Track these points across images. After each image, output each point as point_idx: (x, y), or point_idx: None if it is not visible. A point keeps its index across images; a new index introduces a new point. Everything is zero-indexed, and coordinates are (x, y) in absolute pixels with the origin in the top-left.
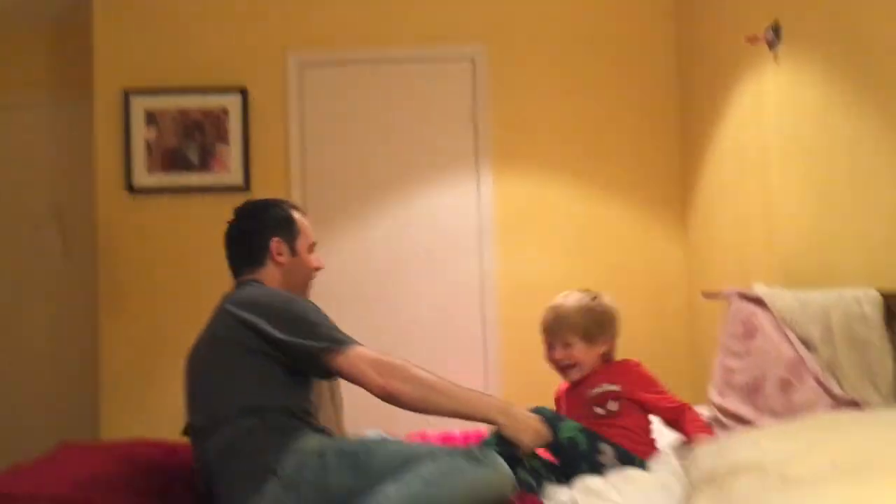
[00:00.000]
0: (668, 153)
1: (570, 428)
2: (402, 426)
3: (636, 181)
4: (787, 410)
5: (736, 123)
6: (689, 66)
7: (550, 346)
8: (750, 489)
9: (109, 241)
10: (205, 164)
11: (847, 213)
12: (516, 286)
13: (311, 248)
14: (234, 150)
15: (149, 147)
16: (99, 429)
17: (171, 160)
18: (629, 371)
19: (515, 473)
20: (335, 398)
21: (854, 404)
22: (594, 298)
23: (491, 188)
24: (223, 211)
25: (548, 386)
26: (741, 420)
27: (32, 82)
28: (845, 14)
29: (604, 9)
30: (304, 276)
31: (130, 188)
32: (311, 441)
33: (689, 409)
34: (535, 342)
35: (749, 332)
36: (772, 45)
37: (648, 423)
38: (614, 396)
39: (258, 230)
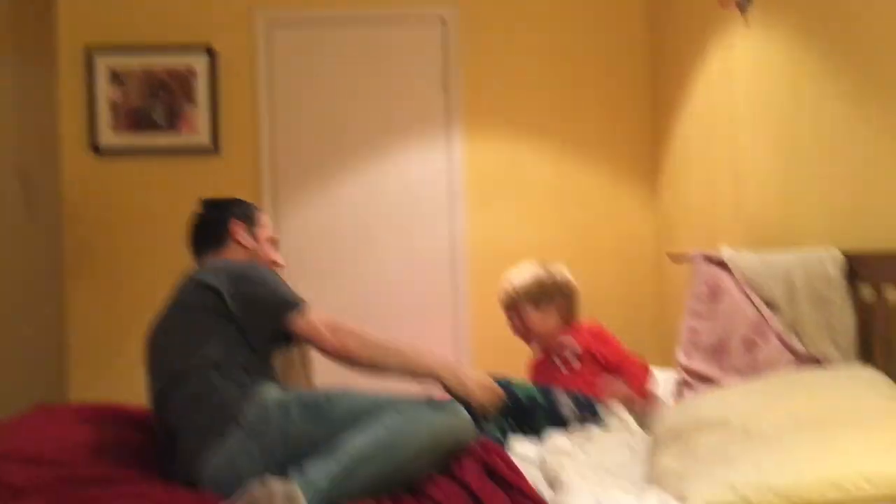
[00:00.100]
0: (639, 117)
1: (524, 386)
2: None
3: (607, 144)
4: (751, 369)
5: (706, 87)
6: (661, 30)
7: (509, 319)
8: (714, 443)
9: (75, 204)
10: (172, 124)
11: (812, 176)
12: (486, 249)
13: (272, 241)
14: (201, 111)
15: (114, 107)
16: (67, 393)
17: (137, 120)
18: (589, 332)
19: (482, 430)
20: (306, 367)
21: (815, 361)
22: (544, 268)
23: (462, 151)
24: (192, 172)
25: (517, 350)
26: (707, 380)
27: None
28: None
29: None
30: (263, 264)
31: (96, 149)
32: (274, 393)
33: (643, 370)
34: None
35: (714, 293)
36: (743, 8)
37: (626, 394)
38: (576, 356)
39: (219, 216)
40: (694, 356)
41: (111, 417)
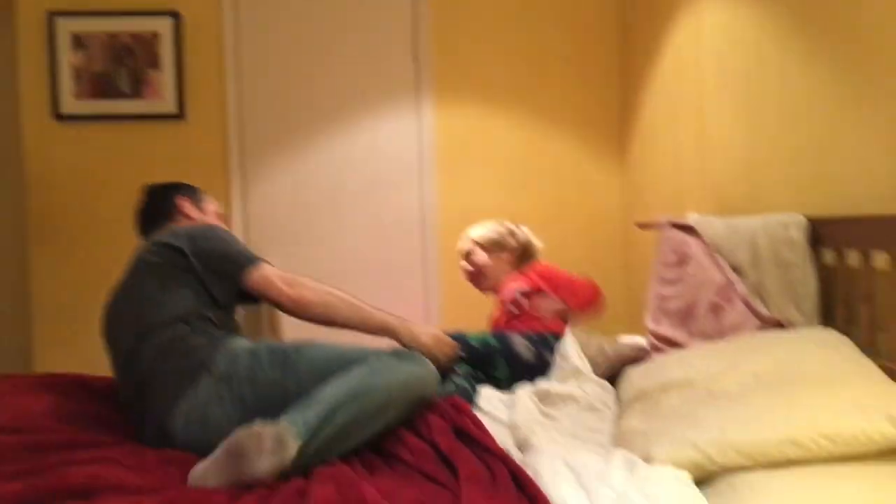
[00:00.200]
0: (607, 85)
1: (476, 335)
2: None
3: (576, 113)
4: (717, 333)
5: (674, 56)
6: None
7: (463, 265)
8: (678, 404)
9: (38, 171)
10: (136, 90)
11: (777, 142)
12: (457, 216)
13: (219, 215)
14: (166, 77)
15: (76, 72)
16: (31, 362)
17: (101, 86)
18: (538, 273)
19: (452, 381)
20: (275, 328)
21: (779, 325)
22: (505, 225)
23: (432, 119)
24: (157, 139)
25: (484, 311)
26: (675, 345)
27: None
28: None
29: None
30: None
31: (58, 116)
32: (242, 342)
33: (586, 286)
34: None
35: (681, 259)
36: None
37: (559, 309)
38: (524, 295)
39: (165, 194)
40: (662, 322)
41: (75, 387)
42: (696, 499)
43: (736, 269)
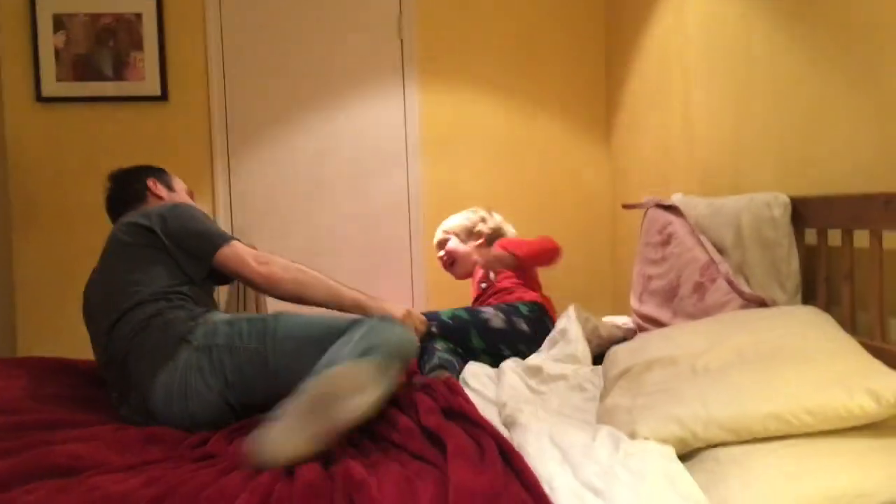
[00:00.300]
0: (593, 68)
1: (447, 311)
2: None
3: (562, 96)
4: (701, 312)
5: (660, 39)
6: None
7: (439, 254)
8: (662, 380)
9: (20, 154)
10: (119, 72)
11: (762, 124)
12: (443, 200)
13: (189, 193)
14: (149, 58)
15: (58, 54)
16: (15, 345)
17: (83, 68)
18: (502, 244)
19: (436, 355)
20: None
21: (762, 303)
22: (477, 213)
23: (418, 103)
24: (140, 120)
25: (468, 294)
26: (659, 324)
27: None
28: None
29: None
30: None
31: (40, 98)
32: (221, 315)
33: (539, 241)
34: None
35: (665, 239)
36: None
37: (525, 278)
38: (493, 272)
39: (134, 177)
40: (647, 301)
41: (59, 370)
42: (681, 473)
43: (719, 249)
